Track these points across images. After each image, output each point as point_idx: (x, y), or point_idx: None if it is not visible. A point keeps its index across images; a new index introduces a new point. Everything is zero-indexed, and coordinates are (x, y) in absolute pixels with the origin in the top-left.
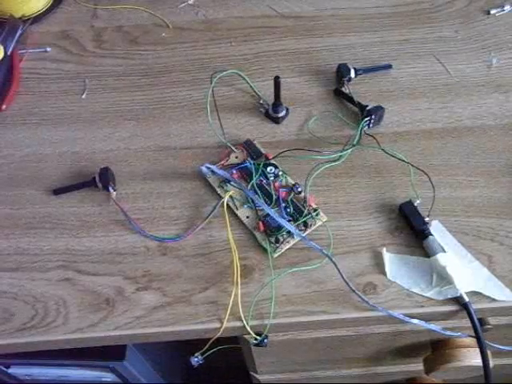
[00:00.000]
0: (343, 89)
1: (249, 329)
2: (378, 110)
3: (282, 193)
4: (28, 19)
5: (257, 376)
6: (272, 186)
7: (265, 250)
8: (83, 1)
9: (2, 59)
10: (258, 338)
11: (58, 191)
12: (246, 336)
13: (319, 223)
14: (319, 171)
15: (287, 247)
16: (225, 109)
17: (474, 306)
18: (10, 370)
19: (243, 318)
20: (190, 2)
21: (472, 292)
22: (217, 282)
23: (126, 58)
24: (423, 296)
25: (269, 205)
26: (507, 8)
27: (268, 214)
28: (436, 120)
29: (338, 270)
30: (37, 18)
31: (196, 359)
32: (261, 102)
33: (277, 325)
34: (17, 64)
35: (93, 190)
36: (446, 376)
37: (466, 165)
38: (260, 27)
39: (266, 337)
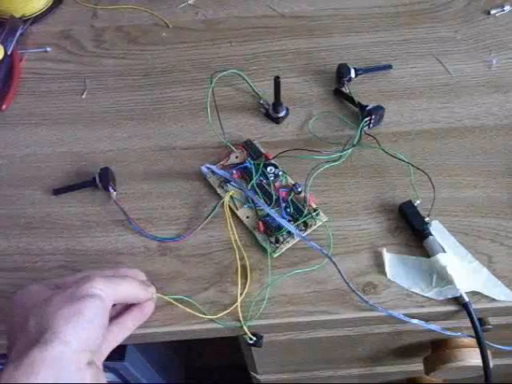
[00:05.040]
0: (343, 89)
1: (246, 329)
2: (378, 110)
3: (282, 193)
4: (28, 19)
5: (257, 376)
6: (272, 186)
7: (265, 250)
8: (83, 1)
9: (2, 59)
10: (253, 338)
11: (58, 191)
12: (243, 336)
13: (319, 223)
14: (319, 171)
15: (287, 247)
16: (225, 109)
17: (473, 306)
18: None
19: (241, 318)
20: (190, 2)
21: (472, 292)
22: (217, 281)
23: (126, 58)
24: (423, 296)
25: (269, 205)
26: (507, 8)
27: (268, 214)
28: (436, 120)
29: (338, 270)
30: (37, 18)
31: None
32: (261, 101)
33: (277, 325)
34: (17, 64)
35: (93, 189)
36: (446, 376)
37: (465, 165)
38: (260, 27)
39: (261, 337)
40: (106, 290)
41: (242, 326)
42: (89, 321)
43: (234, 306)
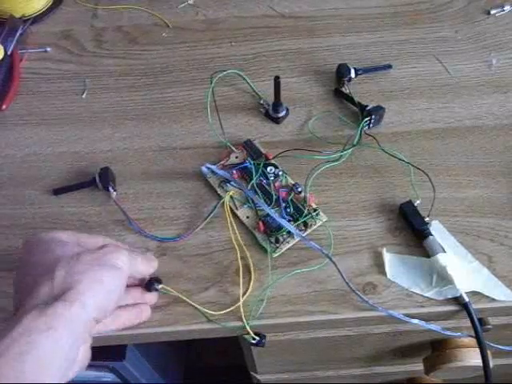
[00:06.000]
0: (343, 89)
1: (248, 328)
2: (378, 110)
3: (282, 193)
4: (28, 19)
5: (257, 376)
6: (272, 186)
7: (265, 249)
8: (83, 1)
9: (2, 59)
10: (256, 337)
11: (58, 191)
12: (245, 336)
13: (319, 223)
14: (319, 171)
15: (287, 247)
16: (225, 109)
17: (474, 306)
18: None
19: (243, 318)
20: (190, 2)
21: (472, 292)
22: (217, 281)
23: (126, 58)
24: (423, 296)
25: (269, 205)
26: (507, 8)
27: (268, 214)
28: (436, 120)
29: (338, 270)
30: (37, 18)
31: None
32: (261, 102)
33: (277, 325)
34: (17, 64)
35: (93, 189)
36: (446, 376)
37: (465, 165)
38: (260, 27)
39: (264, 337)
40: (128, 265)
41: (244, 326)
42: (108, 291)
43: (236, 305)
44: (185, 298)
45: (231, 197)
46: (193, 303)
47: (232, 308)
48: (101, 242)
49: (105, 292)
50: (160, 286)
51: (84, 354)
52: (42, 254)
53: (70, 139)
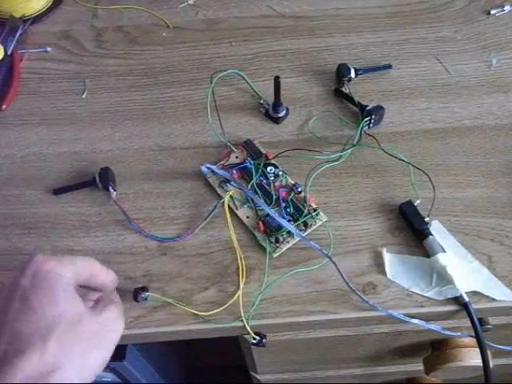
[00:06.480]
0: (343, 89)
1: (248, 328)
2: (378, 110)
3: (282, 193)
4: (28, 19)
5: (257, 376)
6: (272, 186)
7: (265, 249)
8: (83, 1)
9: (3, 59)
10: (256, 337)
11: (58, 191)
12: (245, 336)
13: (319, 223)
14: (319, 171)
15: (287, 247)
16: (225, 109)
17: (474, 306)
18: None
19: (243, 318)
20: (190, 2)
21: (472, 292)
22: (217, 281)
23: (126, 58)
24: (423, 296)
25: (269, 205)
26: (507, 8)
27: (268, 214)
28: (436, 120)
29: (338, 270)
30: (37, 18)
31: None
32: (261, 101)
33: (277, 325)
34: (17, 64)
35: (93, 189)
36: (446, 376)
37: (465, 165)
38: (260, 27)
39: (265, 337)
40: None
41: (244, 326)
42: (97, 369)
43: (235, 305)
44: (170, 301)
45: (231, 197)
46: (182, 306)
47: (232, 308)
48: (99, 272)
49: (93, 371)
50: (147, 295)
51: None
52: (44, 299)
53: (70, 139)
